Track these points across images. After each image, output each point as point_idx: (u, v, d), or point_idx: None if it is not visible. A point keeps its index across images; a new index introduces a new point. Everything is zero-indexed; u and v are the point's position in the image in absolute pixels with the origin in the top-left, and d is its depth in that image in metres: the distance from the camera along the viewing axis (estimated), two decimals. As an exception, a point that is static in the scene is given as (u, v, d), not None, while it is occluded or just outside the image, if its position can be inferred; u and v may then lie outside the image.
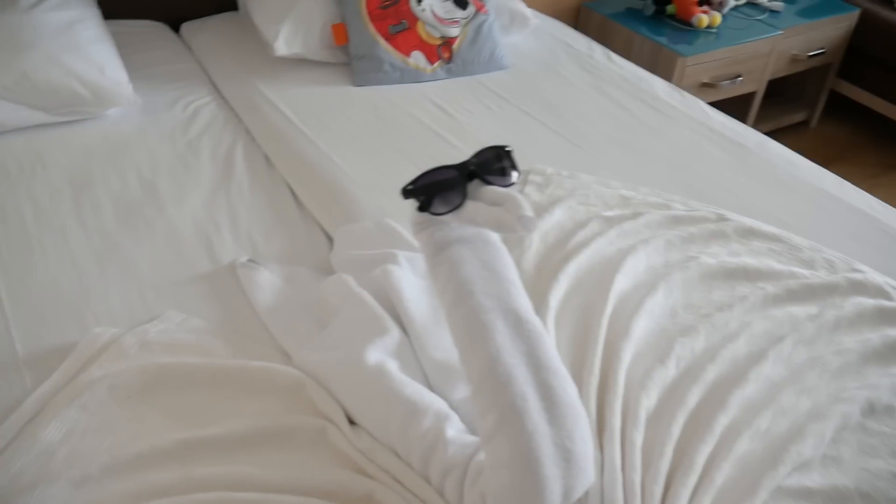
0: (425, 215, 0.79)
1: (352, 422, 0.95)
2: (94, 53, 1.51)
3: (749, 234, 1.32)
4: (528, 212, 0.71)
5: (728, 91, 2.47)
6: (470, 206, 0.76)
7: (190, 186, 1.37)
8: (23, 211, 1.28)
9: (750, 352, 1.08)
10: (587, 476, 0.80)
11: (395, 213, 1.29)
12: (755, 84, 2.56)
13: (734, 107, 2.59)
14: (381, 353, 0.97)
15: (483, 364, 0.77)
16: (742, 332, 1.10)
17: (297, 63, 1.76)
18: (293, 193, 1.40)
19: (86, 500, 0.84)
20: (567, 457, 0.77)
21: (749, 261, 1.25)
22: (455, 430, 0.88)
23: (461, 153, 1.48)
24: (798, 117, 2.95)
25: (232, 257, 1.22)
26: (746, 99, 2.61)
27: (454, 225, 0.81)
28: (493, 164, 0.78)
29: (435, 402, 0.91)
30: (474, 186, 0.78)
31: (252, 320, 1.11)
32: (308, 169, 1.43)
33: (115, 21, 1.81)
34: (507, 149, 0.78)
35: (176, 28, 1.95)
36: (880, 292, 1.20)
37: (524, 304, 0.80)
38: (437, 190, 0.77)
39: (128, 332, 1.05)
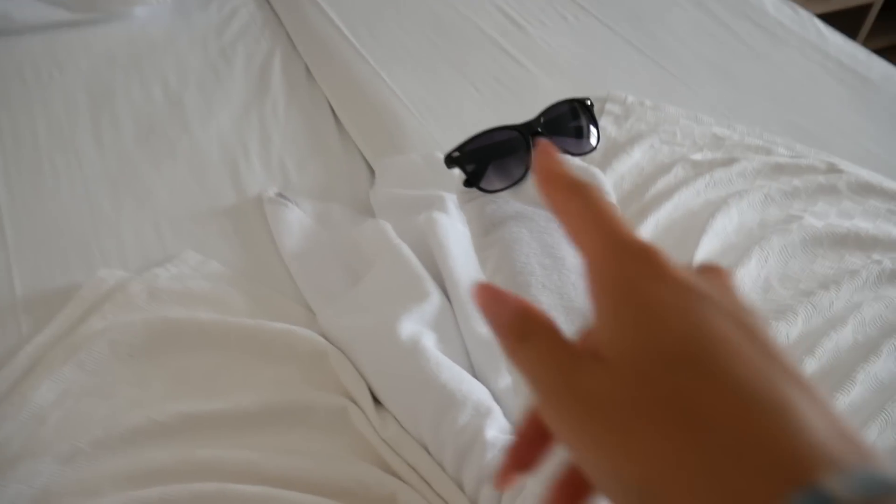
0: (473, 191, 0.63)
1: (377, 402, 0.82)
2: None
3: (866, 189, 1.10)
4: (609, 191, 0.53)
5: (842, 2, 2.15)
6: (530, 181, 0.59)
7: (219, 102, 1.22)
8: (36, 125, 1.15)
9: (858, 342, 0.90)
10: None
11: (450, 144, 1.11)
12: (874, -7, 2.23)
13: (845, 19, 2.26)
14: (417, 324, 0.83)
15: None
16: (850, 316, 0.91)
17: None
18: (334, 115, 1.23)
19: (72, 479, 0.74)
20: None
21: (863, 225, 1.04)
22: (497, 428, 0.74)
23: (531, 76, 1.29)
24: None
25: (260, 188, 1.08)
26: (861, 12, 2.28)
27: (512, 199, 0.64)
28: (567, 123, 0.60)
29: (475, 390, 0.77)
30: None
31: (276, 267, 0.98)
32: (352, 86, 1.26)
33: None
34: (586, 102, 0.60)
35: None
36: None
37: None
38: (491, 158, 0.60)
39: (136, 277, 0.93)
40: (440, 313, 0.86)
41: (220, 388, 0.83)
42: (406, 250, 0.92)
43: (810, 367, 0.86)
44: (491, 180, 0.60)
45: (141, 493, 0.72)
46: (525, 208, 0.64)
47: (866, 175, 1.12)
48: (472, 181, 0.61)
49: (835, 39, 1.44)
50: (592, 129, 0.61)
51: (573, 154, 0.58)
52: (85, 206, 1.04)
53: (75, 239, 0.99)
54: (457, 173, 0.64)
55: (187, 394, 0.83)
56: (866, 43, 2.38)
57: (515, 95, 1.24)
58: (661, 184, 1.08)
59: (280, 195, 1.06)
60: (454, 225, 0.95)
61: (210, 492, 0.72)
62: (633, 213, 1.03)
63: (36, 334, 0.87)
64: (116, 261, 0.97)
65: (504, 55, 1.34)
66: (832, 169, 1.12)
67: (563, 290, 0.61)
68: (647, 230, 1.00)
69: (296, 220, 1.02)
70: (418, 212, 0.98)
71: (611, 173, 1.09)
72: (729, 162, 1.12)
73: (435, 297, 0.87)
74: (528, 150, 0.58)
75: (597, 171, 0.55)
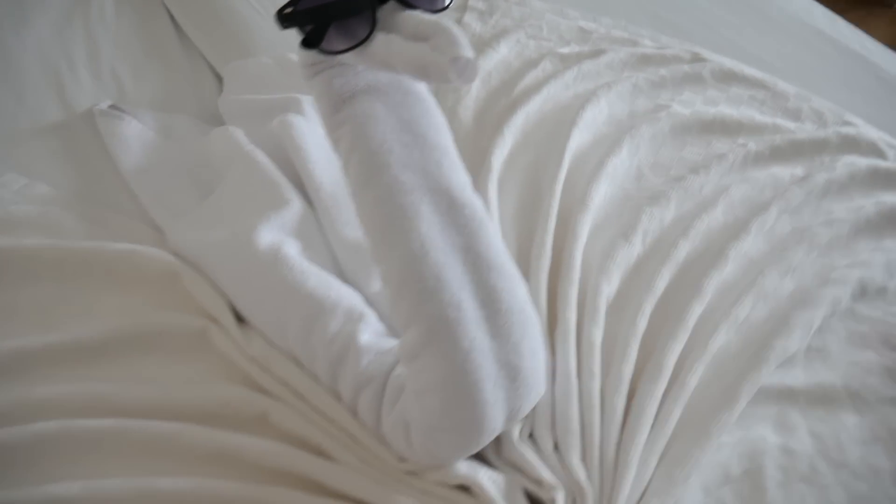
0: (314, 54, 0.55)
1: (240, 320, 0.75)
2: None
3: (729, 77, 1.11)
4: (468, 51, 0.48)
5: None
6: (381, 41, 0.52)
7: (35, 7, 1.07)
8: None
9: (727, 223, 0.90)
10: (537, 392, 0.63)
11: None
12: None
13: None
14: (277, 233, 0.76)
15: (404, 263, 0.56)
16: (719, 198, 0.92)
17: None
18: (171, 17, 1.10)
19: None
20: (513, 375, 0.59)
21: (728, 111, 1.05)
22: (371, 332, 0.69)
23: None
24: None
25: (90, 102, 0.96)
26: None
27: (361, 68, 0.58)
28: (410, -19, 0.53)
29: (345, 296, 0.71)
30: (389, 10, 0.53)
31: (114, 186, 0.88)
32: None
33: None
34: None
35: None
36: (874, 150, 1.03)
37: (460, 179, 0.58)
38: (333, 15, 0.52)
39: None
40: (302, 220, 0.79)
41: (58, 320, 0.73)
42: (261, 156, 0.84)
43: (684, 248, 0.85)
44: (333, 41, 0.53)
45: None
46: (377, 79, 0.57)
47: (729, 63, 1.12)
48: (311, 42, 0.54)
49: (693, -68, 1.43)
50: (439, -4, 0.55)
51: (426, 10, 0.52)
52: None
53: None
54: (294, 36, 0.57)
55: (19, 329, 0.73)
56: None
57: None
58: (530, 78, 1.05)
59: (114, 107, 0.94)
60: (312, 128, 0.87)
61: (52, 431, 0.64)
62: (503, 107, 0.99)
63: None
64: (-80, 189, 0.83)
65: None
66: (696, 58, 1.12)
67: (427, 169, 0.56)
68: (516, 124, 0.96)
69: (134, 134, 0.92)
70: (272, 117, 0.89)
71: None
72: (596, 54, 1.09)
73: (295, 203, 0.80)
74: (374, 3, 0.51)
75: (449, 22, 0.49)
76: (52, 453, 0.63)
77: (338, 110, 0.58)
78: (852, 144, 1.02)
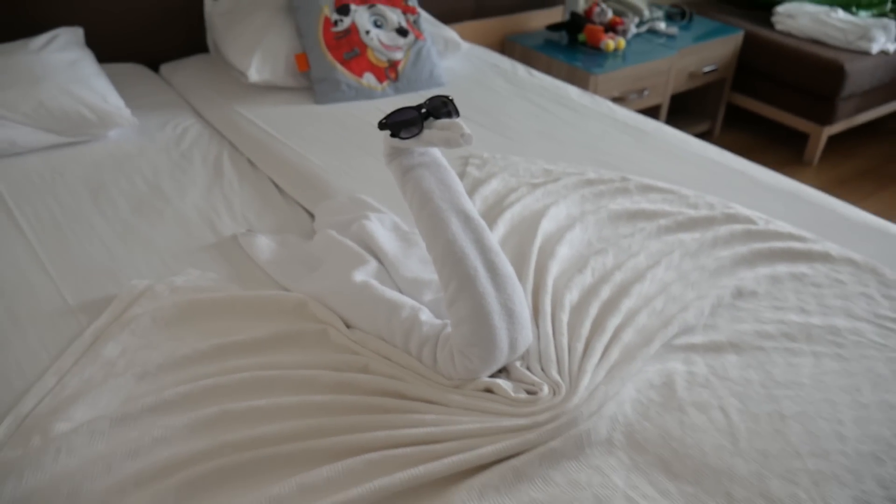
0: (395, 140, 1.10)
1: (347, 326, 1.22)
2: (96, 85, 1.80)
3: (647, 189, 1.66)
4: (467, 130, 1.02)
5: (636, 104, 2.86)
6: (427, 133, 1.07)
7: (189, 185, 1.65)
8: (52, 209, 1.53)
9: (647, 263, 1.40)
10: (527, 332, 1.10)
11: (363, 191, 1.59)
12: (660, 97, 2.96)
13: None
14: (364, 275, 1.26)
15: (443, 247, 1.07)
16: (642, 250, 1.43)
17: (267, 89, 2.07)
18: (276, 186, 1.68)
19: (148, 387, 1.09)
20: (510, 314, 1.07)
21: (647, 206, 1.58)
22: (427, 316, 1.17)
23: (412, 147, 1.80)
24: (702, 128, 3.37)
25: (232, 232, 1.50)
26: (654, 111, 3.01)
27: (416, 153, 1.12)
28: (440, 108, 1.09)
29: (409, 300, 1.20)
30: (429, 121, 1.09)
31: (256, 272, 1.38)
32: (287, 165, 1.72)
33: (103, 64, 2.09)
34: (449, 98, 1.10)
35: (155, 69, 2.25)
36: (749, 220, 1.54)
37: (470, 206, 1.11)
38: (403, 123, 1.07)
39: (158, 282, 1.31)
40: (378, 270, 1.29)
41: (237, 333, 1.21)
42: (348, 241, 1.36)
43: (619, 276, 1.34)
44: (403, 134, 1.07)
45: (197, 384, 1.08)
46: (423, 158, 1.11)
47: (647, 181, 1.67)
48: (394, 135, 1.08)
49: (621, 111, 2.07)
50: (455, 111, 1.09)
51: (446, 118, 1.07)
52: (104, 252, 1.41)
53: (103, 271, 1.36)
54: (386, 133, 1.11)
55: (214, 338, 1.20)
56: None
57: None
58: (512, 196, 1.59)
59: (250, 231, 1.48)
60: (376, 225, 1.41)
61: (246, 378, 1.09)
62: (495, 213, 1.53)
63: (94, 322, 1.23)
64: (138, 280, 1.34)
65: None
66: (624, 179, 1.68)
67: (452, 200, 1.08)
68: (505, 220, 1.49)
69: (264, 244, 1.45)
70: (351, 226, 1.43)
71: (478, 196, 1.60)
72: (556, 180, 1.65)
73: (373, 262, 1.31)
74: (420, 119, 1.07)
75: (458, 121, 1.03)
76: (247, 390, 1.08)
77: (405, 175, 1.11)
78: (732, 218, 1.54)
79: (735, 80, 3.32)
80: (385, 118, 1.07)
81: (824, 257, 1.44)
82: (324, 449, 0.98)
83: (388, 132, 1.09)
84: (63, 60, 1.82)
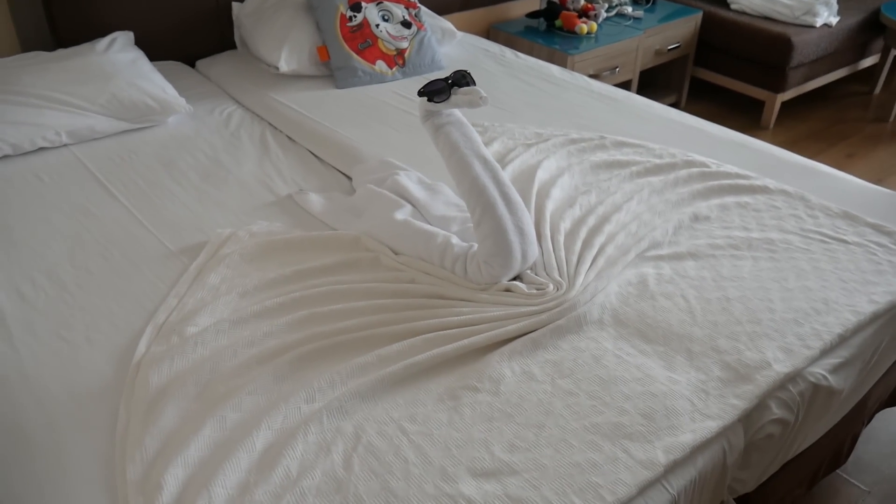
0: (430, 104, 1.45)
1: (395, 254, 1.57)
2: (155, 79, 2.13)
3: (621, 144, 2.02)
4: (484, 94, 1.37)
5: (609, 80, 3.22)
6: (454, 97, 1.42)
7: (243, 158, 1.99)
8: (136, 180, 1.86)
9: (623, 199, 1.76)
10: (534, 247, 1.46)
11: (387, 156, 1.93)
12: (630, 73, 3.32)
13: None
14: (403, 215, 1.61)
15: (470, 183, 1.42)
16: (618, 190, 1.79)
17: (293, 78, 2.41)
18: (315, 156, 2.03)
19: (250, 300, 1.44)
20: (521, 232, 1.43)
21: (621, 157, 1.94)
22: (456, 240, 1.52)
23: (417, 123, 2.15)
24: (670, 100, 3.74)
25: (287, 192, 1.84)
26: (625, 86, 3.37)
27: (444, 114, 1.48)
28: (462, 79, 1.44)
29: (441, 231, 1.55)
30: (454, 90, 1.44)
31: (313, 221, 1.73)
32: (322, 139, 2.06)
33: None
34: (467, 72, 1.45)
35: (191, 65, 2.58)
36: (703, 164, 1.91)
37: (487, 153, 1.47)
38: (435, 91, 1.43)
39: (239, 229, 1.65)
40: (413, 212, 1.65)
41: (308, 262, 1.56)
42: (386, 191, 1.71)
43: (600, 210, 1.70)
44: (436, 98, 1.43)
45: (288, 295, 1.43)
46: (450, 117, 1.47)
47: (620, 138, 2.04)
48: (429, 99, 1.44)
49: (595, 83, 2.43)
50: (472, 81, 1.45)
51: (467, 86, 1.43)
52: (187, 211, 1.75)
53: (190, 225, 1.70)
54: (423, 99, 1.46)
55: (292, 266, 1.54)
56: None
57: (417, 132, 2.09)
58: (511, 155, 1.95)
59: (301, 190, 1.83)
60: (406, 179, 1.76)
61: (323, 290, 1.44)
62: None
63: (195, 261, 1.57)
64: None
65: (402, 112, 2.20)
66: (602, 137, 2.04)
67: (474, 148, 1.44)
68: (508, 172, 1.84)
69: (315, 199, 1.79)
70: (385, 182, 1.78)
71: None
72: (546, 140, 2.01)
73: (408, 206, 1.66)
74: (448, 88, 1.42)
75: (477, 87, 1.39)
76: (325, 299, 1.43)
77: (437, 131, 1.47)
78: (690, 164, 1.91)
79: (696, 56, 3.69)
80: (422, 88, 1.42)
81: (763, 190, 1.81)
82: (391, 333, 1.33)
83: (424, 98, 1.44)
84: (125, 59, 2.15)
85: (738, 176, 1.87)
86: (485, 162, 1.45)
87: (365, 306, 1.41)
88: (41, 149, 1.98)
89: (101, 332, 1.37)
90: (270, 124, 2.20)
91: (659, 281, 1.50)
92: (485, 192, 1.41)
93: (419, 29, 2.50)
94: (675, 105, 3.77)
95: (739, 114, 3.75)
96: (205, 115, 2.20)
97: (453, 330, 1.33)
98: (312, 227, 1.71)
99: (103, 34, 2.31)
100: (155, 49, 2.47)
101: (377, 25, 2.42)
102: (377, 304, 1.41)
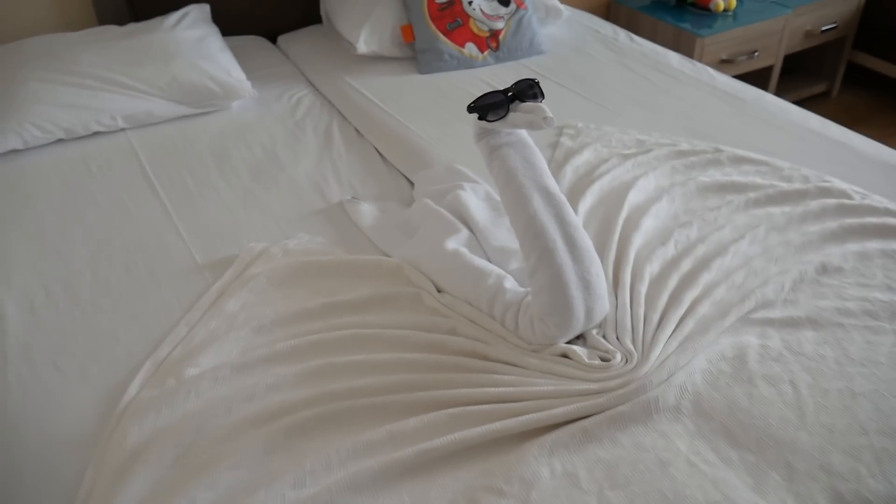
0: (483, 123, 1.18)
1: (438, 290, 1.33)
2: (222, 60, 1.96)
3: (740, 160, 1.66)
4: (550, 114, 1.09)
5: (746, 66, 2.79)
6: (511, 115, 1.14)
7: (301, 153, 1.80)
8: (183, 176, 1.71)
9: (732, 237, 1.43)
10: (603, 303, 1.17)
11: (460, 160, 1.68)
12: (772, 58, 2.87)
13: (754, 80, 2.91)
14: (456, 244, 1.36)
15: (525, 221, 1.15)
16: (727, 224, 1.45)
17: (375, 59, 2.18)
18: (380, 154, 1.80)
19: (263, 340, 1.25)
20: (586, 285, 1.15)
21: (738, 178, 1.59)
22: (511, 284, 1.26)
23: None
24: (818, 89, 3.24)
25: (339, 198, 1.63)
26: (766, 73, 2.92)
27: (503, 133, 1.20)
28: (527, 91, 1.16)
29: (496, 269, 1.29)
30: (514, 104, 1.16)
31: (359, 237, 1.51)
32: (390, 135, 1.84)
33: (227, 37, 2.27)
34: (535, 81, 1.17)
35: (273, 40, 2.41)
36: (843, 194, 1.53)
37: (552, 183, 1.18)
38: (490, 107, 1.16)
39: (273, 244, 1.46)
40: (468, 239, 1.39)
41: (341, 293, 1.34)
42: (443, 210, 1.46)
43: (702, 249, 1.38)
44: (490, 116, 1.16)
45: (304, 339, 1.22)
46: (509, 137, 1.19)
47: (741, 152, 1.68)
48: (481, 117, 1.17)
49: (721, 78, 2.05)
50: (540, 94, 1.16)
51: (531, 101, 1.14)
52: (228, 216, 1.58)
53: (226, 233, 1.53)
54: (474, 116, 1.19)
55: (321, 297, 1.34)
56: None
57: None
58: (603, 168, 1.64)
59: (354, 198, 1.61)
60: (470, 196, 1.50)
61: (346, 336, 1.22)
62: (585, 183, 1.58)
63: (218, 279, 1.39)
64: (256, 242, 1.50)
65: (491, 108, 1.93)
66: (717, 150, 1.69)
67: (535, 177, 1.16)
68: (594, 191, 1.55)
69: (367, 210, 1.57)
70: (446, 195, 1.53)
71: (569, 166, 1.65)
72: (647, 151, 1.68)
73: (464, 231, 1.40)
74: (506, 102, 1.14)
75: (542, 104, 1.10)
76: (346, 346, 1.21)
77: (491, 154, 1.20)
78: (826, 192, 1.53)
79: (857, 38, 3.16)
80: (473, 102, 1.15)
81: (922, 234, 1.42)
82: (412, 402, 1.10)
83: (475, 115, 1.17)
84: (192, 37, 2.00)
85: (888, 213, 1.48)
86: (547, 196, 1.17)
87: (390, 360, 1.18)
88: (96, 133, 1.87)
89: (99, 364, 1.23)
90: (340, 113, 1.99)
91: (763, 358, 1.17)
92: (543, 233, 1.14)
93: (518, 7, 2.20)
94: (824, 95, 3.26)
95: (905, 108, 3.20)
96: (272, 101, 2.02)
97: (487, 406, 1.08)
98: (357, 245, 1.49)
99: (180, 6, 2.17)
100: (235, 22, 2.32)
101: (469, 2, 2.15)
102: (405, 358, 1.18)
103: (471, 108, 1.16)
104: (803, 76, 3.26)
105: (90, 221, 1.56)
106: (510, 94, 1.15)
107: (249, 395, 1.14)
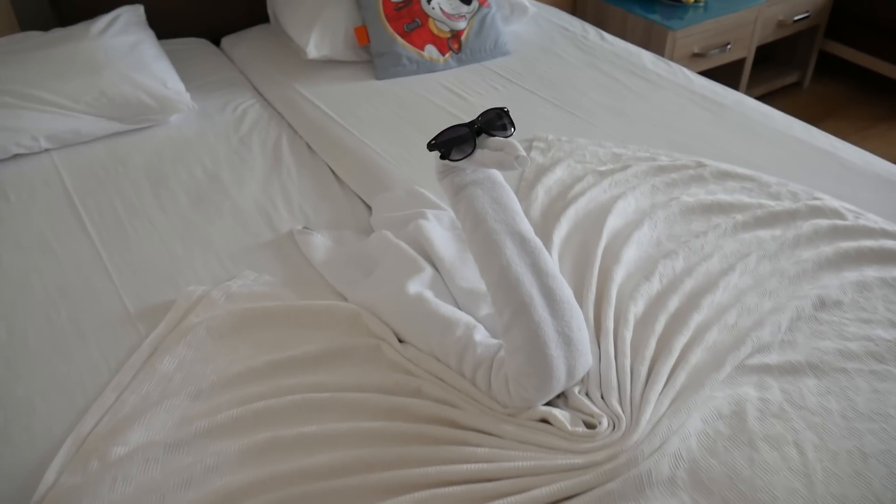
0: (446, 162, 1.04)
1: (400, 340, 1.19)
2: (157, 69, 1.78)
3: (724, 176, 1.54)
4: (522, 152, 0.95)
5: (718, 59, 2.67)
6: (479, 153, 1.00)
7: (247, 174, 1.63)
8: (114, 204, 1.54)
9: (721, 267, 1.30)
10: (586, 359, 1.04)
11: (422, 181, 1.53)
12: (744, 50, 2.76)
13: (726, 73, 2.80)
14: (419, 286, 1.21)
15: (497, 273, 1.01)
16: (715, 252, 1.33)
17: (327, 64, 2.01)
18: (334, 173, 1.65)
19: (201, 408, 1.09)
20: (567, 342, 1.01)
21: (723, 197, 1.47)
22: (481, 336, 1.12)
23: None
24: (790, 79, 3.14)
25: (289, 227, 1.47)
26: (738, 65, 2.81)
27: (469, 170, 1.06)
28: (495, 122, 1.02)
29: (464, 316, 1.15)
30: (482, 138, 1.02)
31: (311, 274, 1.36)
32: (345, 152, 1.68)
33: (165, 41, 2.08)
34: (505, 109, 1.02)
35: (217, 42, 2.22)
36: (836, 214, 1.42)
37: (526, 227, 1.04)
38: (454, 143, 1.01)
39: (215, 287, 1.31)
40: (433, 279, 1.25)
41: (290, 346, 1.19)
42: (404, 245, 1.31)
43: (689, 284, 1.25)
44: (455, 155, 1.01)
45: (249, 406, 1.07)
46: (476, 176, 1.05)
47: (724, 166, 1.56)
48: (444, 156, 1.02)
49: (699, 80, 1.92)
50: (510, 125, 1.02)
51: (501, 136, 0.99)
52: (164, 251, 1.41)
53: (161, 273, 1.36)
54: (434, 154, 1.04)
55: (268, 352, 1.19)
56: (748, 92, 2.91)
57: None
58: (578, 188, 1.51)
59: (306, 228, 1.45)
60: (434, 226, 1.36)
61: (297, 401, 1.08)
62: (559, 207, 1.45)
63: (152, 331, 1.23)
64: (195, 283, 1.34)
65: (451, 117, 1.78)
66: (699, 164, 1.56)
67: (507, 221, 1.02)
68: (569, 216, 1.41)
69: (320, 242, 1.42)
70: (408, 223, 1.38)
71: (541, 186, 1.52)
72: (624, 168, 1.55)
73: (428, 270, 1.26)
74: (474, 135, 1.00)
75: (513, 140, 0.95)
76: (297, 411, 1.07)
77: (457, 194, 1.05)
78: (818, 212, 1.42)
79: (829, 27, 3.06)
80: (435, 138, 1.01)
81: (922, 259, 1.31)
82: (373, 484, 0.96)
83: (437, 153, 1.02)
84: (124, 44, 1.81)
85: (884, 234, 1.37)
86: (522, 242, 1.02)
87: (345, 431, 1.04)
88: (16, 156, 1.68)
89: (10, 445, 1.06)
90: (290, 126, 1.82)
91: (763, 414, 1.05)
92: (518, 287, 1.00)
93: (481, 5, 2.04)
94: (796, 86, 3.17)
95: (878, 99, 3.11)
96: (214, 113, 1.85)
97: (459, 488, 0.94)
98: (309, 284, 1.34)
99: (111, 8, 1.98)
100: (174, 24, 2.13)
101: (429, 1, 1.98)
102: (363, 428, 1.04)
103: (431, 146, 1.01)
104: (774, 67, 3.16)
105: (7, 264, 1.39)
106: (476, 126, 1.01)
107: (186, 480, 0.99)
